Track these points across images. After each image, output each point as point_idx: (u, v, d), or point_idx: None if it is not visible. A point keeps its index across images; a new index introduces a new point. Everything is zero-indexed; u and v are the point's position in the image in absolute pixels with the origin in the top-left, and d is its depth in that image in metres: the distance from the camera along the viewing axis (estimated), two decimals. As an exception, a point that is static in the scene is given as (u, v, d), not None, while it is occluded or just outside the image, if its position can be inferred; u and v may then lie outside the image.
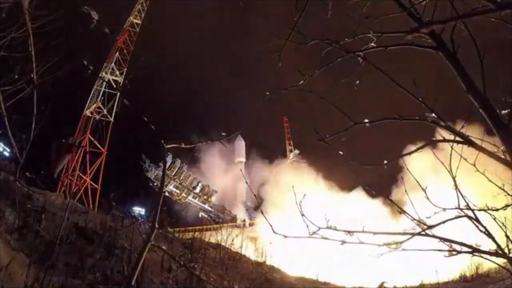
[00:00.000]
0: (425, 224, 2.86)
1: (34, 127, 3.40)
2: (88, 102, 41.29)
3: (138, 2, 44.59)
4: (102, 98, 40.11)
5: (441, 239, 2.85)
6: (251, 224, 41.00)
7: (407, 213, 2.86)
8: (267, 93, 3.74)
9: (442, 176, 3.15)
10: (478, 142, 2.83)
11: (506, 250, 2.90)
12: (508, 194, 2.99)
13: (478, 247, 2.89)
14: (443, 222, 2.91)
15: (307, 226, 2.72)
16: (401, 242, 2.81)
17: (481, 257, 2.97)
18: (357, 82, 3.37)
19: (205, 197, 45.33)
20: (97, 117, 40.18)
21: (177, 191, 42.92)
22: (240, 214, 46.20)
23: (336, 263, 21.97)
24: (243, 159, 52.24)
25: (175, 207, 41.80)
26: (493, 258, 2.96)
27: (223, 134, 4.12)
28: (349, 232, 2.70)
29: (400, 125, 3.02)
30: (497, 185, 3.07)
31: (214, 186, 46.48)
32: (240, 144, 52.05)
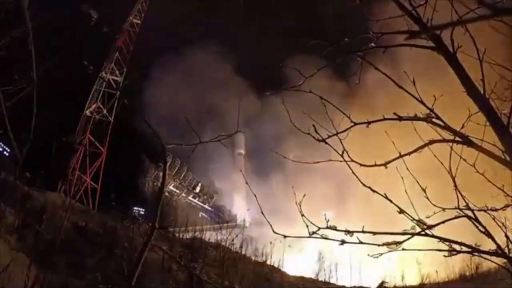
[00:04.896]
0: (424, 224, 2.87)
1: (33, 126, 3.39)
2: (88, 102, 41.28)
3: (138, 2, 44.54)
4: (102, 98, 40.11)
5: (441, 239, 2.85)
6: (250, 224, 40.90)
7: (407, 213, 2.86)
8: (267, 93, 3.75)
9: (441, 175, 3.16)
10: (478, 142, 2.84)
11: (506, 250, 2.91)
12: (508, 195, 3.00)
13: (478, 247, 2.89)
14: (443, 222, 2.91)
15: (307, 226, 2.72)
16: (401, 242, 2.81)
17: (481, 257, 2.97)
18: (357, 82, 3.38)
19: (205, 197, 45.33)
20: (97, 117, 40.19)
21: (177, 191, 42.94)
22: (240, 213, 46.08)
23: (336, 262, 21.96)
24: (243, 151, 51.66)
25: (174, 207, 41.76)
26: (493, 258, 2.97)
27: (223, 134, 4.11)
28: (349, 232, 2.70)
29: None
30: (496, 186, 3.07)
31: (213, 185, 46.40)
32: (240, 135, 51.63)
